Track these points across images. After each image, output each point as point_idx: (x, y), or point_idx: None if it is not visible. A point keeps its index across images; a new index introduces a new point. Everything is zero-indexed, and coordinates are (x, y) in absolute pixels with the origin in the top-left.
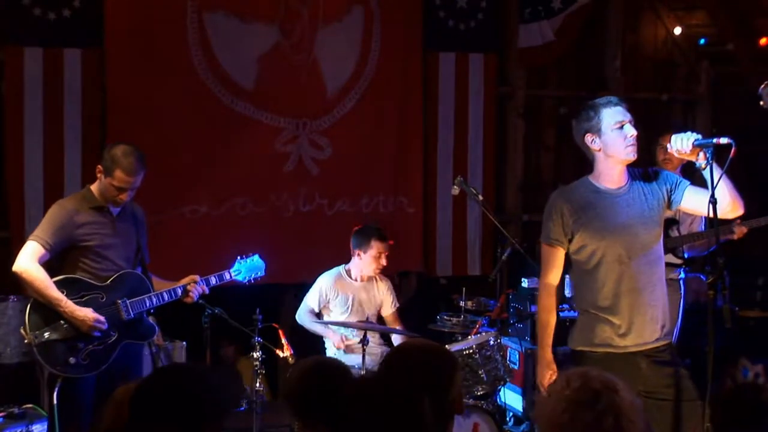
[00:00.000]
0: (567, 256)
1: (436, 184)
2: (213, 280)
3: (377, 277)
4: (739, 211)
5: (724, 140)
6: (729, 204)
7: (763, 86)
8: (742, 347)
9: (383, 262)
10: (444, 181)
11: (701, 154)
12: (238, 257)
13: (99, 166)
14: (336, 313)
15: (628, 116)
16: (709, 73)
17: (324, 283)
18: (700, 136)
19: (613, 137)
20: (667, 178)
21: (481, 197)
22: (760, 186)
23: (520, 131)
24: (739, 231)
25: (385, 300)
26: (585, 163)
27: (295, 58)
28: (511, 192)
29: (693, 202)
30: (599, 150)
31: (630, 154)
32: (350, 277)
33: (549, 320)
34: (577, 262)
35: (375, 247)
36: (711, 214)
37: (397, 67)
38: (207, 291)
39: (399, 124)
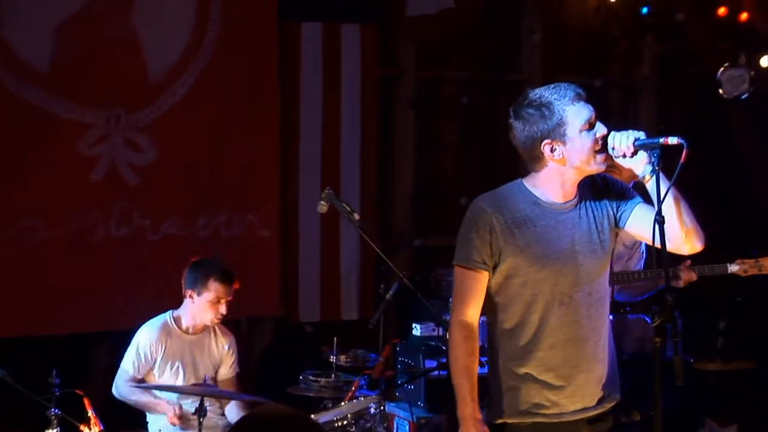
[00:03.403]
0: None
1: (297, 199)
2: None
3: (216, 327)
4: (697, 245)
5: (673, 140)
6: (682, 233)
7: (722, 70)
8: (706, 406)
9: (223, 310)
10: (308, 195)
11: (642, 157)
12: None
13: None
14: (165, 378)
15: (593, 110)
16: (654, 51)
17: (145, 338)
18: (642, 135)
19: (582, 143)
20: (619, 190)
21: (357, 216)
22: (721, 200)
23: (411, 126)
24: (687, 277)
25: (225, 359)
26: (495, 168)
27: (106, 29)
28: (400, 208)
29: (640, 224)
30: (561, 161)
31: (602, 164)
32: (180, 327)
33: (470, 366)
34: (499, 297)
35: (213, 290)
36: (657, 242)
37: (245, 41)
38: None
39: (248, 118)
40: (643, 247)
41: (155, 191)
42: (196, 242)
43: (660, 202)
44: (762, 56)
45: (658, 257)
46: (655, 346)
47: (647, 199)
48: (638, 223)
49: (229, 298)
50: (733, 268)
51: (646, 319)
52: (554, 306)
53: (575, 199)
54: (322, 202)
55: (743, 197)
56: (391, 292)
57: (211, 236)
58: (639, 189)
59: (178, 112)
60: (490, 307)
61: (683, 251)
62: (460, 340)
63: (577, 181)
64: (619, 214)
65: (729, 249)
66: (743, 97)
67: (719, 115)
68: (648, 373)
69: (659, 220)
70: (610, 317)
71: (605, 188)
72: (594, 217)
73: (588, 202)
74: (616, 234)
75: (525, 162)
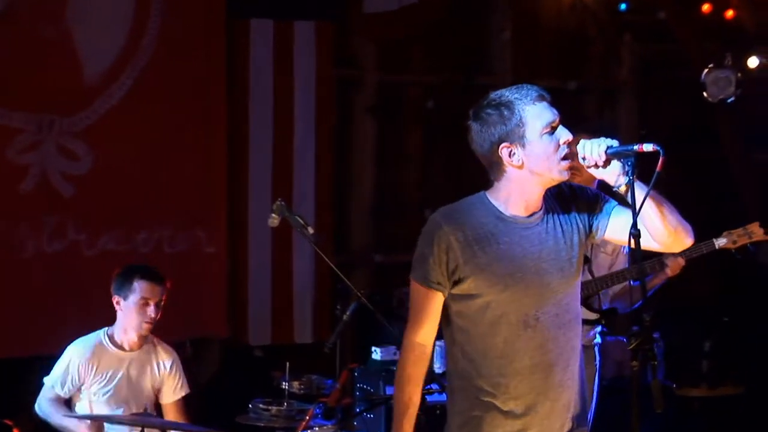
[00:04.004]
0: (444, 308)
1: (246, 211)
2: None
3: (157, 344)
4: (687, 240)
5: (648, 147)
6: (668, 234)
7: (706, 71)
8: None
9: (151, 312)
10: (259, 207)
11: (615, 167)
12: None
13: None
14: (96, 400)
15: (557, 113)
16: (633, 52)
17: (75, 356)
18: (615, 143)
19: (542, 147)
20: (589, 198)
21: (312, 230)
22: (709, 200)
23: (371, 133)
24: (674, 265)
25: (167, 380)
26: (462, 179)
27: (37, 28)
28: (359, 221)
29: (622, 229)
30: (520, 166)
31: (564, 172)
32: (114, 343)
33: (410, 396)
34: (460, 319)
35: (139, 290)
36: (633, 252)
37: (189, 40)
38: None
39: (192, 124)
40: (626, 250)
41: (92, 203)
42: (136, 259)
43: (636, 214)
44: (749, 57)
45: (635, 257)
46: (633, 371)
47: (623, 203)
48: (619, 229)
49: (157, 299)
50: (721, 241)
51: (624, 340)
52: (519, 328)
53: (541, 212)
54: (274, 215)
55: (729, 204)
56: (348, 313)
57: (153, 252)
58: (615, 195)
59: (117, 116)
60: (450, 331)
61: (674, 250)
62: (410, 363)
63: (542, 192)
64: (593, 224)
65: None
66: (729, 100)
67: (704, 120)
68: (627, 400)
69: (635, 234)
70: (597, 341)
71: (573, 197)
72: (562, 230)
73: (555, 215)
74: (590, 245)
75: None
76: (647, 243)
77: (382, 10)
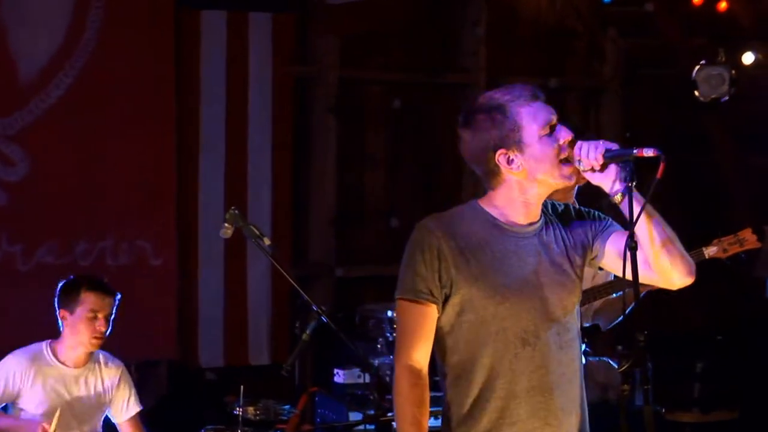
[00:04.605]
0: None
1: (197, 221)
2: None
3: (102, 357)
4: (687, 277)
5: (648, 152)
6: (667, 264)
7: (698, 68)
8: None
9: (100, 326)
10: (210, 216)
11: (612, 172)
12: None
13: None
14: (30, 415)
15: (554, 112)
16: (619, 46)
17: (12, 364)
18: (614, 146)
19: (542, 150)
20: (595, 220)
21: (268, 241)
22: (697, 205)
23: (333, 135)
24: None
25: (116, 397)
26: (432, 184)
27: None
28: (319, 231)
29: (619, 257)
30: (521, 173)
31: (570, 176)
32: (57, 358)
33: (420, 418)
34: (451, 337)
35: (87, 302)
36: (629, 270)
37: (134, 33)
38: None
39: (137, 125)
40: None
41: (27, 212)
42: (75, 272)
43: (633, 224)
44: (744, 53)
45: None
46: (622, 395)
47: (622, 222)
48: (615, 256)
49: (106, 312)
50: (711, 250)
51: (610, 362)
52: (517, 347)
53: (540, 222)
54: (227, 225)
55: (719, 210)
56: (308, 332)
57: (94, 265)
58: (610, 209)
59: (55, 117)
60: (440, 350)
61: (672, 285)
62: (406, 387)
63: (543, 199)
64: (594, 246)
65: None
66: (723, 99)
67: (694, 122)
68: (614, 427)
69: (631, 245)
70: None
71: (579, 216)
72: (564, 242)
73: (557, 228)
74: (591, 265)
75: (471, 179)
76: (642, 271)
77: (346, 1)
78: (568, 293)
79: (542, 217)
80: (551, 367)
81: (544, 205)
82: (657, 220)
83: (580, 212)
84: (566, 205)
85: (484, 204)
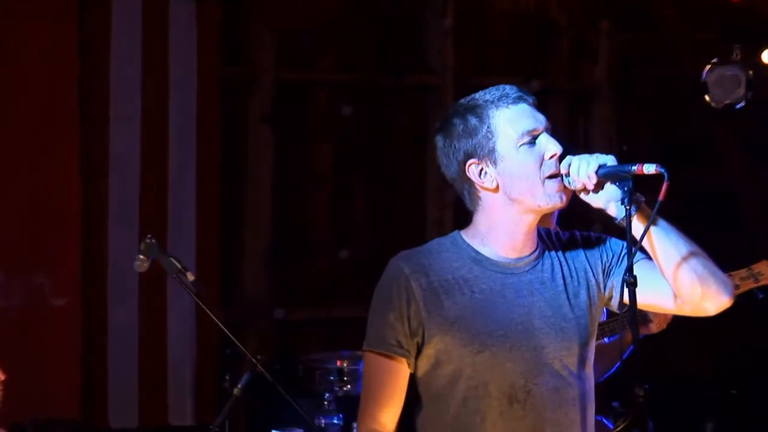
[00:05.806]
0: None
1: (106, 252)
2: None
3: None
4: (722, 297)
5: (650, 168)
6: (696, 286)
7: (708, 69)
8: None
9: None
10: (122, 246)
11: (609, 192)
12: None
13: None
14: None
15: (542, 120)
16: (611, 44)
17: None
18: (609, 160)
19: (518, 163)
20: (609, 249)
21: (192, 276)
22: (704, 230)
23: (269, 149)
24: (660, 318)
25: None
26: (390, 208)
27: None
28: (253, 265)
29: (652, 289)
30: (495, 189)
31: (555, 196)
32: None
33: None
34: (427, 393)
35: None
36: (680, 306)
37: (33, 28)
38: None
39: (34, 133)
40: None
41: None
42: None
43: (630, 256)
44: (763, 50)
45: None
46: None
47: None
48: (649, 286)
49: None
50: None
51: (604, 421)
52: (503, 404)
53: (534, 254)
54: (141, 257)
55: (729, 236)
56: (240, 386)
57: None
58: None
59: None
60: (415, 407)
61: (704, 310)
62: None
63: (532, 225)
64: (608, 282)
65: None
66: (739, 106)
67: (700, 131)
68: None
69: (629, 281)
70: None
71: (587, 245)
72: (565, 282)
73: (558, 262)
74: (605, 305)
75: (437, 201)
76: (665, 302)
77: None
78: (569, 342)
79: (539, 249)
80: (546, 430)
81: (546, 233)
82: (673, 237)
83: (590, 240)
84: (572, 233)
85: (467, 235)
